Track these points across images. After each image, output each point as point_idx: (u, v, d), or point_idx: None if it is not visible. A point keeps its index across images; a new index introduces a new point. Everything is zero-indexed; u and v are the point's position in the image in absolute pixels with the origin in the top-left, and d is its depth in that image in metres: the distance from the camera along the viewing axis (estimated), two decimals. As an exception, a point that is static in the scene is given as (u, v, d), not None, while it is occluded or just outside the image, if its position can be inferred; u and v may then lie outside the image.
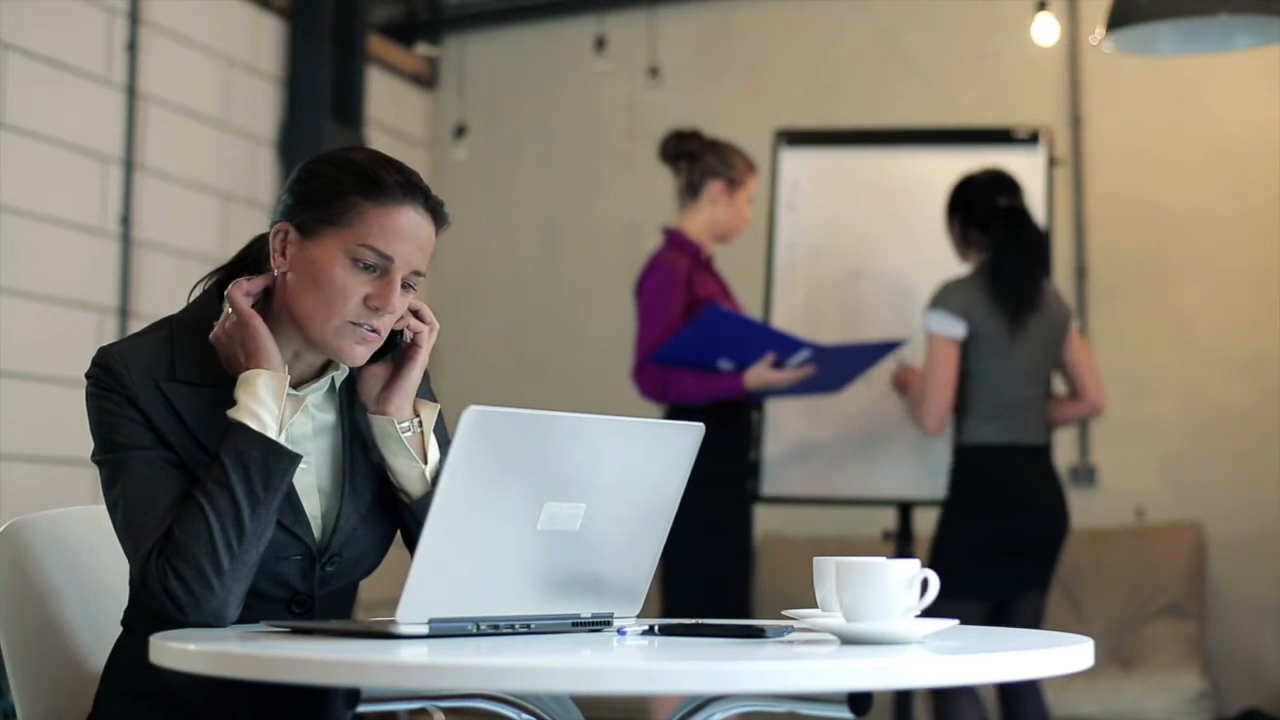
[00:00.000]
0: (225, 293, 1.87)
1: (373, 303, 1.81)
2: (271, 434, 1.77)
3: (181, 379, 1.83)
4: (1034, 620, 3.79)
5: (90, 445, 1.85)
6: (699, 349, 3.92)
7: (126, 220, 4.83)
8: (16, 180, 4.46)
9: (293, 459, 1.78)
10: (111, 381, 1.81)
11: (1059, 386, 4.09)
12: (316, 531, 1.86)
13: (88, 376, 1.84)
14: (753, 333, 3.95)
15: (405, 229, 1.82)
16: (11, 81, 4.44)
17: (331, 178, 1.84)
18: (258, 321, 1.82)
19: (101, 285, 4.76)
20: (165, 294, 4.93)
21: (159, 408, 1.81)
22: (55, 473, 4.50)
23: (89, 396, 1.83)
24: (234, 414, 1.77)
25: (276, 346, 1.82)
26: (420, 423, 1.89)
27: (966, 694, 3.80)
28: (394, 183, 1.82)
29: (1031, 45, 5.36)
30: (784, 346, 3.93)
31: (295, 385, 1.87)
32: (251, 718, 1.81)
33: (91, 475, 4.68)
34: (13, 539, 2.03)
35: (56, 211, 4.61)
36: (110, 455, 1.81)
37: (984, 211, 3.90)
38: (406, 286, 1.84)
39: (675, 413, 3.97)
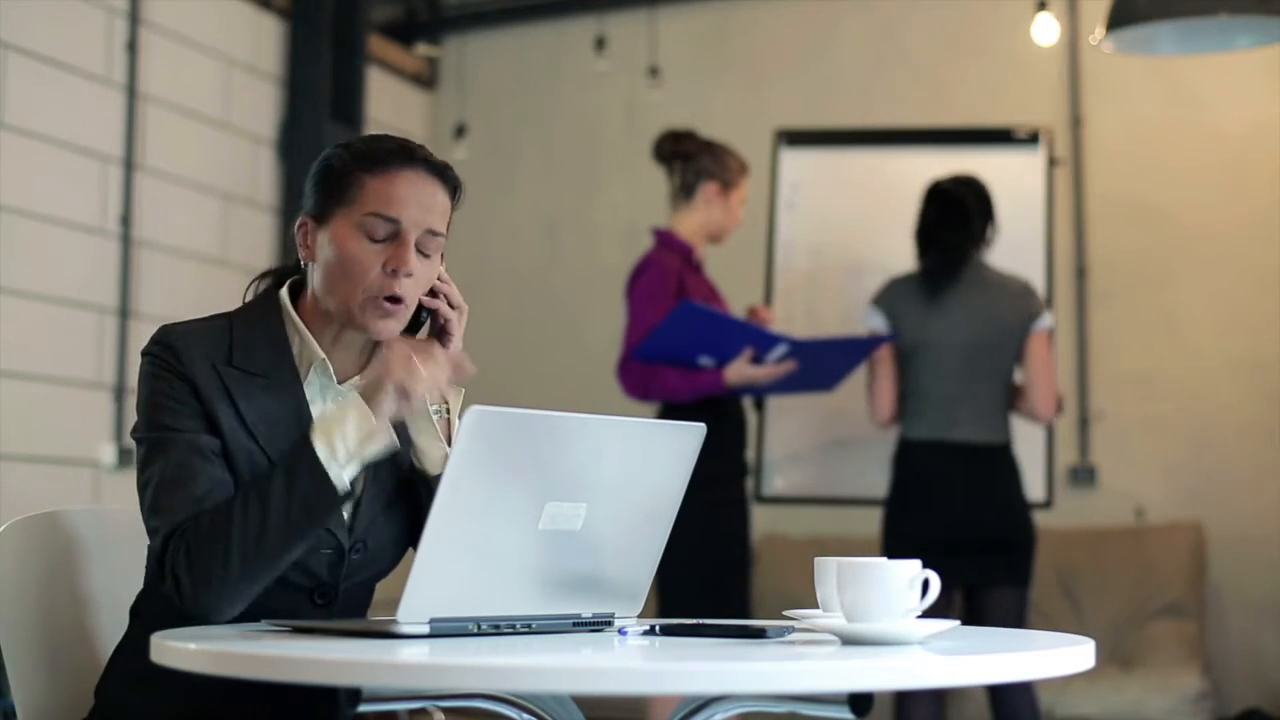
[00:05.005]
0: (438, 309, 1.93)
1: (390, 266, 1.85)
2: (335, 469, 1.77)
3: (238, 365, 1.86)
4: (1014, 619, 3.77)
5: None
6: (677, 345, 3.91)
7: (126, 220, 4.83)
8: (16, 180, 4.46)
9: (337, 500, 1.78)
10: (170, 358, 1.83)
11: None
12: (346, 522, 1.88)
13: (145, 353, 1.86)
14: (727, 328, 3.94)
15: (406, 191, 1.87)
16: (11, 81, 4.44)
17: (334, 163, 1.90)
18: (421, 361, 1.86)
19: (101, 285, 4.76)
20: (165, 294, 4.93)
21: (214, 389, 1.83)
22: (55, 473, 4.50)
23: (144, 373, 1.85)
24: (316, 427, 1.78)
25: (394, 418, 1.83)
26: (449, 408, 1.93)
27: (929, 695, 3.81)
28: (389, 150, 1.88)
29: (1031, 45, 5.36)
30: (759, 341, 3.93)
31: (340, 381, 1.91)
32: (255, 712, 1.81)
33: (91, 475, 4.70)
34: (13, 539, 2.03)
35: (56, 211, 4.61)
36: (152, 434, 1.83)
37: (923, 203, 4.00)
38: (424, 254, 1.88)
39: (666, 411, 3.96)
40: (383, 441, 1.80)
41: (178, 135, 5.08)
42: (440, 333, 1.95)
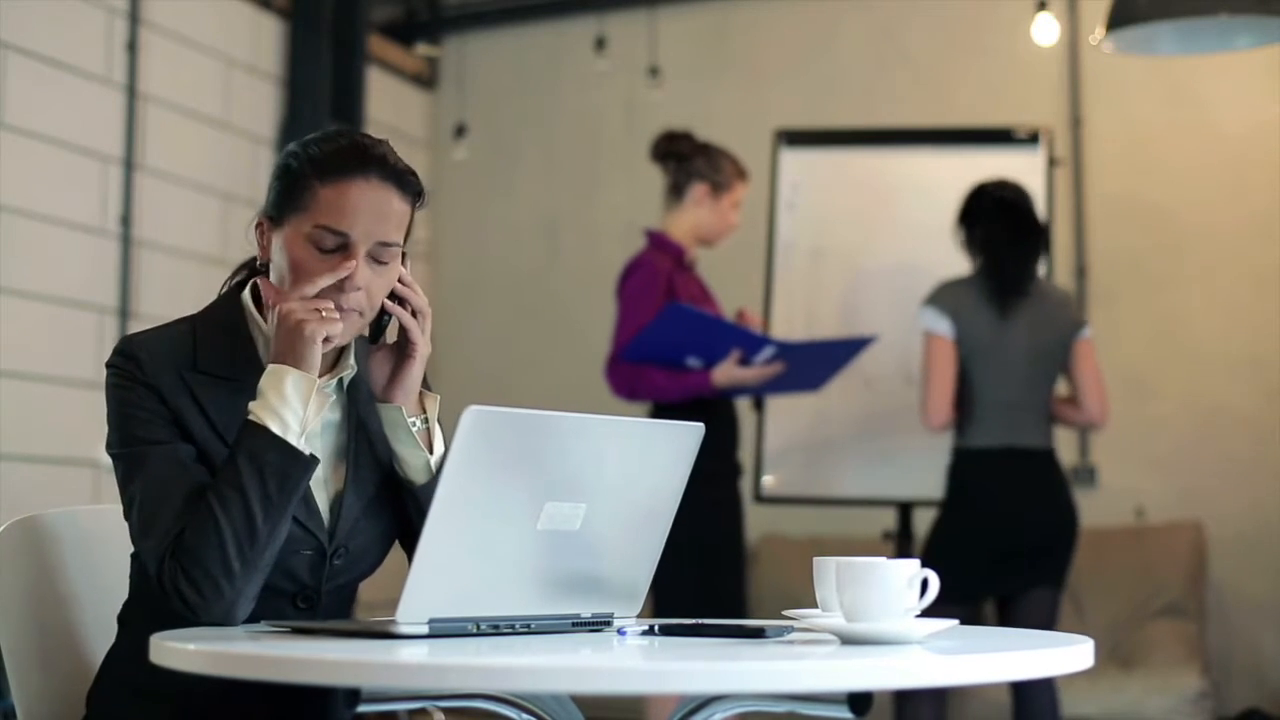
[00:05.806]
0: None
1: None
2: (293, 437, 1.76)
3: (204, 370, 1.84)
4: (1044, 620, 3.76)
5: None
6: (664, 346, 3.91)
7: (126, 220, 4.83)
8: (16, 180, 4.46)
9: (309, 465, 1.78)
10: (134, 369, 1.81)
11: (1063, 389, 4.07)
12: (325, 525, 1.87)
13: (109, 365, 1.84)
14: (715, 330, 3.93)
15: (358, 203, 1.82)
16: (11, 81, 4.44)
17: (292, 166, 1.86)
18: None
19: (101, 285, 4.76)
20: (165, 294, 4.93)
21: (181, 397, 1.81)
22: (55, 473, 4.50)
23: (110, 386, 1.83)
24: (256, 411, 1.76)
25: (320, 351, 1.80)
26: (427, 418, 1.91)
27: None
28: (345, 159, 1.83)
29: (1031, 45, 5.36)
30: (747, 343, 3.93)
31: None
32: (251, 714, 1.81)
33: (91, 475, 4.69)
34: (13, 539, 2.03)
35: (56, 211, 4.61)
36: (127, 449, 1.81)
37: (983, 211, 3.91)
38: (380, 261, 1.84)
39: (657, 411, 3.96)
40: (314, 383, 1.77)
41: (178, 135, 5.08)
42: (407, 344, 1.90)
